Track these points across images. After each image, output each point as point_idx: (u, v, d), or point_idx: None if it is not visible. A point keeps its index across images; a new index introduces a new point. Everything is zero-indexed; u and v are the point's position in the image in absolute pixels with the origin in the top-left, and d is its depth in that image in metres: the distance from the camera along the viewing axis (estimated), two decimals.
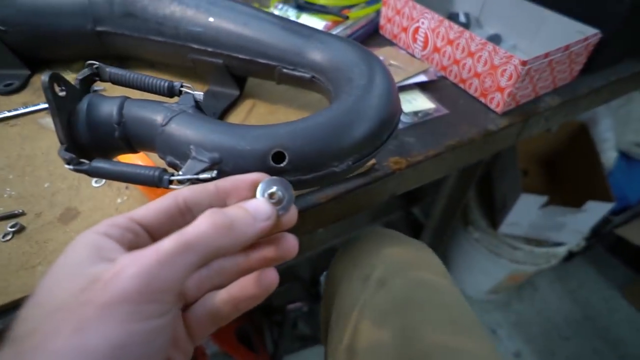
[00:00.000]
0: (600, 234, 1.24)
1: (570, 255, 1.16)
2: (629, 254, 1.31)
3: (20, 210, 0.33)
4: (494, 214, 1.05)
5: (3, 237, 0.31)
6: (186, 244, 0.16)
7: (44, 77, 0.23)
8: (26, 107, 0.43)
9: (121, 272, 0.14)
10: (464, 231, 1.12)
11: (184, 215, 0.19)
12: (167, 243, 0.15)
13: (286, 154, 0.22)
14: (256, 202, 0.19)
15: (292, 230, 0.21)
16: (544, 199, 0.88)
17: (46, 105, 0.44)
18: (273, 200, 0.20)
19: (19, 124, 0.42)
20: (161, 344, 0.15)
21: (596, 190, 0.91)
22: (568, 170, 1.07)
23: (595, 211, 0.87)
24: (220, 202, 0.20)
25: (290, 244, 0.21)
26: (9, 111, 0.43)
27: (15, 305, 0.28)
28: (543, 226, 0.96)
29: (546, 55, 0.40)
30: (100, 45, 0.46)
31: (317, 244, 1.07)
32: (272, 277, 0.20)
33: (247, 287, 0.20)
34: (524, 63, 0.39)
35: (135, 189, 0.35)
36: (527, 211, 0.91)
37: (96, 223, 0.32)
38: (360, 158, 0.25)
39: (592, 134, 1.00)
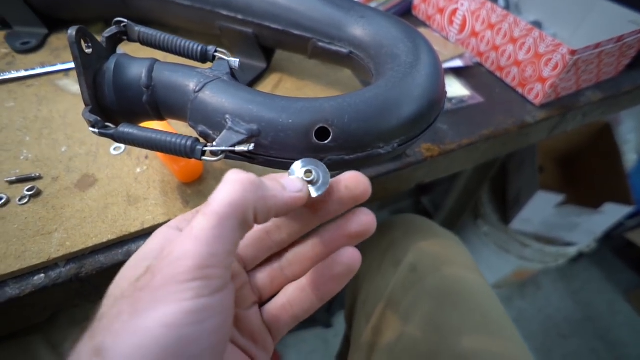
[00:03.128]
0: (609, 236, 1.22)
1: (579, 256, 1.15)
2: (637, 259, 1.29)
3: (37, 174, 0.32)
4: (506, 209, 1.03)
5: (20, 200, 0.30)
6: (215, 212, 0.15)
7: (70, 30, 0.21)
8: (43, 67, 0.42)
9: (170, 256, 0.14)
10: (473, 224, 1.10)
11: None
12: (200, 218, 0.15)
13: (331, 131, 0.21)
14: (287, 177, 0.18)
15: None
16: (560, 197, 0.86)
17: (64, 67, 0.42)
18: (307, 179, 0.19)
19: (35, 84, 0.41)
20: (215, 326, 0.14)
21: (615, 192, 0.88)
22: (586, 170, 1.05)
23: (613, 214, 0.85)
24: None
25: (366, 217, 0.19)
26: (26, 70, 0.41)
27: (32, 271, 0.27)
28: (556, 225, 0.94)
29: (597, 45, 0.37)
30: (123, 6, 0.44)
31: None
32: (351, 254, 0.19)
33: (326, 268, 0.19)
34: (572, 52, 0.36)
35: (156, 159, 0.34)
36: (541, 209, 0.90)
37: (114, 192, 0.31)
38: (406, 140, 0.23)
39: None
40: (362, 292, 0.38)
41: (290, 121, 0.20)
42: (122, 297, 0.15)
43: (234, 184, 0.15)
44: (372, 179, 0.33)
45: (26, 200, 0.30)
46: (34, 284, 0.26)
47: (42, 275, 0.27)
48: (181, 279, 0.14)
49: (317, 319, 1.14)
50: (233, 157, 0.22)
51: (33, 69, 0.41)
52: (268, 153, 0.21)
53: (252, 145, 0.21)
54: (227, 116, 0.21)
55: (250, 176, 0.16)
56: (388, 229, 0.41)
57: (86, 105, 0.23)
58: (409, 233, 0.38)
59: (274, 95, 0.22)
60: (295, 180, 0.18)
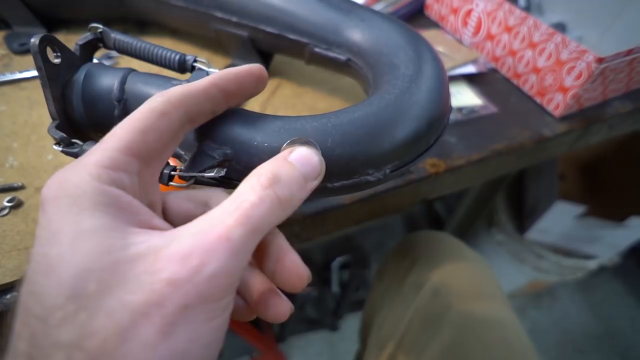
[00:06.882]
0: (635, 249, 1.15)
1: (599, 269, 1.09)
2: None
3: (20, 184, 0.30)
4: (522, 217, 0.98)
5: None
6: (253, 228, 0.14)
7: (34, 39, 0.19)
8: None
9: (199, 273, 0.12)
10: (487, 232, 1.06)
11: (177, 135, 0.16)
12: (236, 229, 0.13)
13: None
14: (308, 155, 0.17)
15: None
16: (581, 208, 0.81)
17: None
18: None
19: (29, 87, 0.40)
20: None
21: None
22: (611, 180, 0.99)
23: (639, 228, 0.80)
24: (223, 105, 0.18)
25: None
26: (20, 72, 0.40)
27: (4, 289, 0.25)
28: (576, 237, 0.89)
29: (629, 52, 0.33)
30: (121, 6, 0.42)
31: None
32: None
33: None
34: (599, 60, 0.32)
35: None
36: (560, 219, 0.85)
37: None
38: (400, 165, 0.20)
39: None
40: (379, 314, 0.36)
41: (266, 144, 0.18)
42: (143, 311, 0.12)
43: (272, 200, 0.14)
44: (369, 198, 0.31)
45: (6, 211, 0.29)
46: (6, 303, 0.25)
47: (16, 294, 0.26)
48: (217, 298, 0.13)
49: (324, 321, 1.13)
50: (205, 182, 0.20)
51: (27, 70, 0.40)
52: (243, 179, 0.19)
53: (225, 170, 0.19)
54: (197, 135, 0.19)
55: (286, 194, 0.15)
56: (411, 246, 0.38)
57: (53, 119, 0.21)
58: (434, 254, 0.36)
59: (251, 112, 0.20)
60: (315, 160, 0.17)
